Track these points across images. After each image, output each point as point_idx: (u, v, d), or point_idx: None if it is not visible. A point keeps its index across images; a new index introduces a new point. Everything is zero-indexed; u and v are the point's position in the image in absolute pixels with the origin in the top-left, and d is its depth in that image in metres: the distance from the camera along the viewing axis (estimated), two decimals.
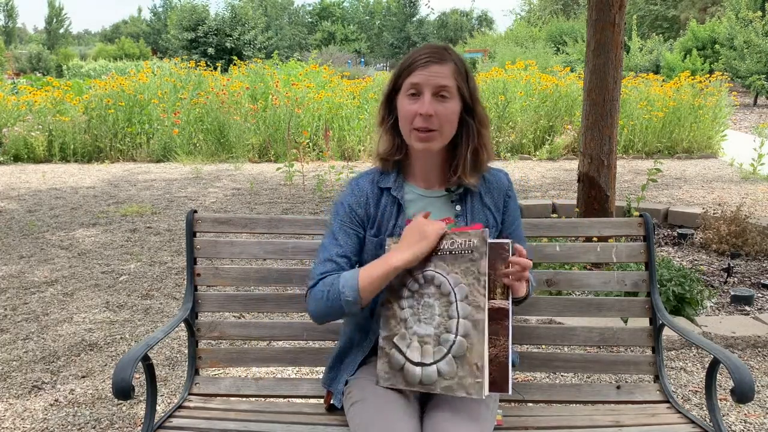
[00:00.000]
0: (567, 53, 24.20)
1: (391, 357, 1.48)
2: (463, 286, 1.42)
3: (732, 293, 3.64)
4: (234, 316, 3.42)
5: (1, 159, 9.36)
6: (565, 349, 2.79)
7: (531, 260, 1.45)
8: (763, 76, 17.74)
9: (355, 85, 11.03)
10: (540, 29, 33.11)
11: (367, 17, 65.40)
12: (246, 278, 1.92)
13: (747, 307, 3.56)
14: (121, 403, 2.60)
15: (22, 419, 2.50)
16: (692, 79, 10.58)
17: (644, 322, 1.92)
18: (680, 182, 7.53)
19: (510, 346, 1.39)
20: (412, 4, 59.38)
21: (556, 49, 25.80)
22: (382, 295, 1.52)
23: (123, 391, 1.46)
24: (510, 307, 1.42)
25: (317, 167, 8.55)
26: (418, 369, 1.43)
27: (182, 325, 1.88)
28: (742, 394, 1.47)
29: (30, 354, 3.09)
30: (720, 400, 2.49)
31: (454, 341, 1.40)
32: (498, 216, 1.64)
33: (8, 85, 12.39)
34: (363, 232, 1.61)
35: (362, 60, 48.74)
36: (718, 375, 1.72)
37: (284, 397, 1.89)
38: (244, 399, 1.88)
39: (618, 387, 1.86)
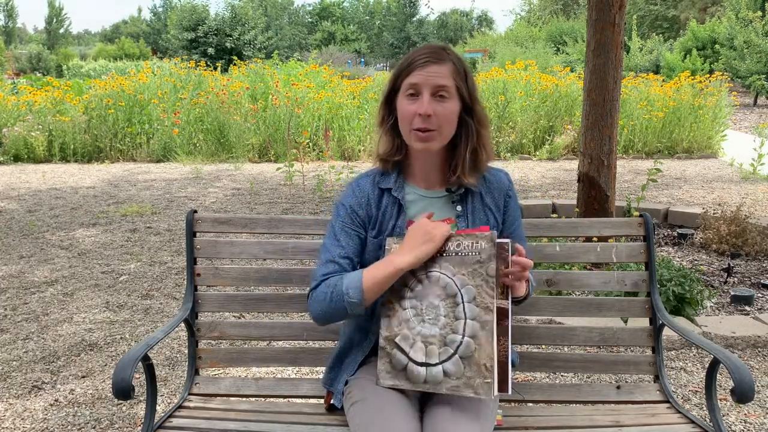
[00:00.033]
0: (567, 53, 24.21)
1: (392, 357, 1.48)
2: (471, 288, 1.42)
3: (732, 293, 3.64)
4: (234, 316, 3.42)
5: (1, 159, 9.36)
6: (565, 349, 2.79)
7: (531, 260, 1.45)
8: (763, 76, 17.74)
9: (355, 85, 11.03)
10: (540, 29, 33.11)
11: (367, 17, 65.40)
12: (246, 278, 1.92)
13: (747, 307, 3.56)
14: (121, 403, 2.60)
15: (22, 419, 2.50)
16: (692, 79, 10.58)
17: (644, 322, 1.92)
18: (680, 182, 7.53)
19: (510, 346, 1.40)
20: (412, 4, 59.39)
21: (556, 49, 25.80)
22: (383, 296, 1.52)
23: (123, 391, 1.46)
24: (510, 306, 1.42)
25: (317, 167, 8.55)
26: (422, 369, 1.43)
27: (182, 325, 1.89)
28: (742, 394, 1.47)
29: (30, 354, 3.10)
30: (720, 400, 2.49)
31: (461, 342, 1.41)
32: (499, 216, 1.64)
33: (8, 85, 12.39)
34: (364, 233, 1.61)
35: (362, 60, 48.75)
36: (718, 375, 1.72)
37: (284, 397, 1.89)
38: (244, 399, 1.88)
39: (618, 387, 1.86)
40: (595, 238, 2.35)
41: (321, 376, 1.76)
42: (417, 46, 1.64)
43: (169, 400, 2.62)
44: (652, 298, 1.87)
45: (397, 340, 1.48)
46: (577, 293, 3.21)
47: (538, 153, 9.61)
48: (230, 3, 36.02)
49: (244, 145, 9.45)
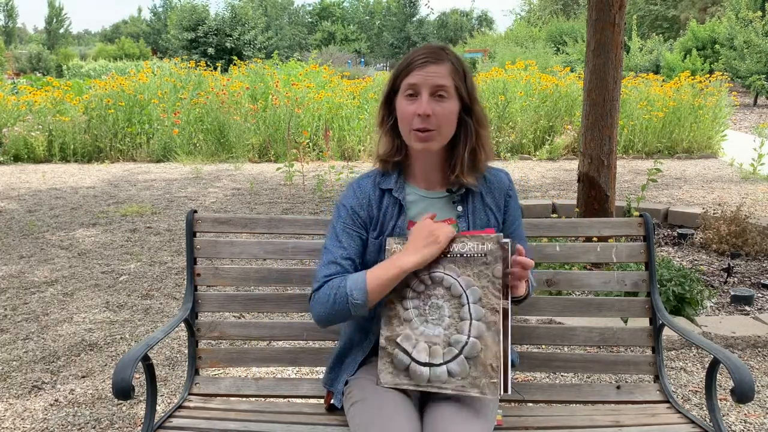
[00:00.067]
0: (567, 53, 24.21)
1: (394, 357, 1.48)
2: (476, 289, 1.43)
3: (732, 293, 3.64)
4: (234, 316, 3.42)
5: (1, 159, 9.36)
6: (565, 349, 2.79)
7: (532, 260, 1.45)
8: (763, 76, 17.74)
9: (355, 85, 11.03)
10: (540, 29, 33.11)
11: (367, 17, 65.41)
12: (246, 278, 1.92)
13: (747, 307, 3.56)
14: (121, 403, 2.60)
15: (22, 419, 2.50)
16: (692, 79, 10.58)
17: (644, 322, 1.92)
18: (680, 182, 7.53)
19: (510, 346, 1.40)
20: (412, 4, 59.39)
21: (556, 49, 25.81)
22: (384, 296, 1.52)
23: (123, 391, 1.46)
24: (509, 306, 1.42)
25: (317, 167, 8.55)
26: (425, 369, 1.43)
27: (182, 325, 1.89)
28: (742, 394, 1.47)
29: (30, 354, 3.10)
30: (720, 400, 2.49)
31: (466, 342, 1.41)
32: (499, 216, 1.64)
33: (8, 85, 12.39)
34: (365, 234, 1.61)
35: (362, 60, 48.76)
36: (718, 375, 1.72)
37: (284, 397, 1.89)
38: (244, 399, 1.88)
39: (618, 387, 1.86)
40: (595, 238, 2.35)
41: (321, 376, 1.76)
42: (417, 46, 1.64)
43: (169, 400, 2.62)
44: (652, 298, 1.87)
45: (398, 340, 1.48)
46: (577, 293, 3.21)
47: (538, 153, 9.61)
48: (230, 3, 36.04)
49: (244, 145, 9.45)
